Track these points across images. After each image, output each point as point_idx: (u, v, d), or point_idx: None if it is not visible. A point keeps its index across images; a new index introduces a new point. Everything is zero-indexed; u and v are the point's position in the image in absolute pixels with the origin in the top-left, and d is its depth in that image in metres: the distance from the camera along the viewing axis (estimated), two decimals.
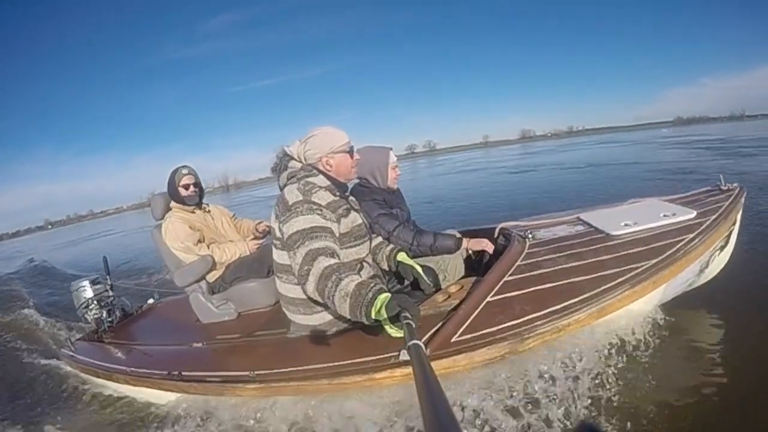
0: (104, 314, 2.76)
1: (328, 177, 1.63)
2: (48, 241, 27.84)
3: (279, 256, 1.63)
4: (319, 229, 1.46)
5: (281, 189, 1.64)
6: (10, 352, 3.57)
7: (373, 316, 1.19)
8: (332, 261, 1.38)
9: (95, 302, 2.81)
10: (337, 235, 1.55)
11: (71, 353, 2.48)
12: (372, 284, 1.25)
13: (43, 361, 3.16)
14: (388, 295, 1.20)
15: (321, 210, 1.51)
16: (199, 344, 2.08)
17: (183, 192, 2.31)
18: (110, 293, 2.96)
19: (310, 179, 1.60)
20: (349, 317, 1.28)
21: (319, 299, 1.39)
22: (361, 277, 1.42)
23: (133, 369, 2.04)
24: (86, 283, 2.90)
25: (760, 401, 1.48)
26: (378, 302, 1.18)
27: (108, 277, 3.03)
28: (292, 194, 1.54)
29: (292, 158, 1.66)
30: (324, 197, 1.55)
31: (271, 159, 1.72)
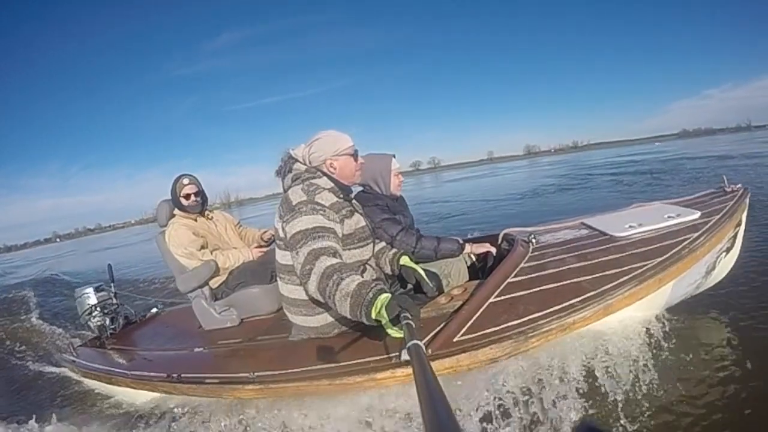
0: (107, 321, 2.77)
1: (332, 179, 1.64)
2: (55, 252, 28.14)
3: (282, 257, 1.63)
4: (322, 229, 1.46)
5: (285, 191, 1.64)
6: (14, 358, 3.59)
7: (373, 316, 1.18)
8: (334, 261, 1.38)
9: (98, 309, 2.81)
10: (340, 236, 1.55)
11: (73, 358, 2.48)
12: (373, 284, 1.25)
13: (46, 367, 3.17)
14: (389, 295, 1.20)
15: (324, 210, 1.51)
16: (200, 349, 2.07)
17: (184, 202, 2.34)
18: (114, 301, 2.95)
19: (314, 181, 1.61)
20: (349, 317, 1.27)
21: (320, 299, 1.38)
22: (363, 278, 1.41)
23: (133, 373, 2.04)
24: (90, 290, 2.90)
25: (764, 408, 1.44)
26: (378, 302, 1.18)
27: (112, 284, 3.04)
28: (296, 194, 1.54)
29: (297, 161, 1.67)
30: (328, 198, 1.56)
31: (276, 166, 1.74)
